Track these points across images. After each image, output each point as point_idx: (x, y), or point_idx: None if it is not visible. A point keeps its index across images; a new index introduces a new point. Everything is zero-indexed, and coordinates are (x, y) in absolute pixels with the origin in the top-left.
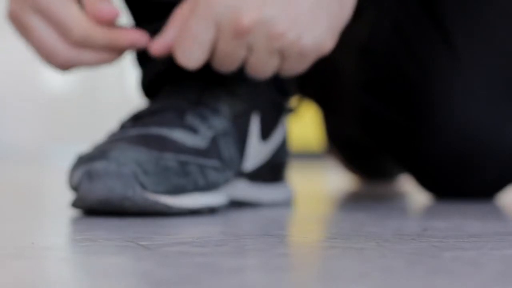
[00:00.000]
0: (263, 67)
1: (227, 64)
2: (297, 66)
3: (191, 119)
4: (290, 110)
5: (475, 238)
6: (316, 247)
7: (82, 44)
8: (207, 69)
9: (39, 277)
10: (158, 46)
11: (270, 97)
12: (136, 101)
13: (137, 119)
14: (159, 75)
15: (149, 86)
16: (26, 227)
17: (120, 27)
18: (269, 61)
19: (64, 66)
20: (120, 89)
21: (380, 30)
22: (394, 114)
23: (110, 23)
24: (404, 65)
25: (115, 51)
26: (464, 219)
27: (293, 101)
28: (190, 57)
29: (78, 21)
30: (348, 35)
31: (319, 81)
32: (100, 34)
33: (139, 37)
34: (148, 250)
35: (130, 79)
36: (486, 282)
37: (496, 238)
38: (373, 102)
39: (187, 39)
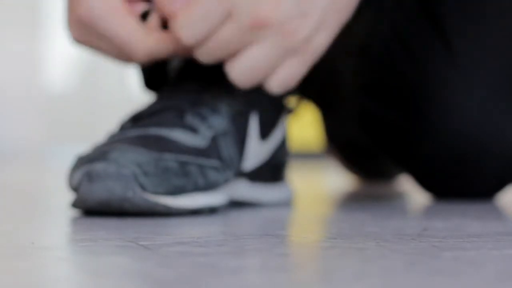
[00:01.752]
0: (262, 66)
1: (220, 53)
2: (296, 71)
3: (191, 119)
4: (290, 110)
5: (475, 238)
6: (316, 247)
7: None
8: (206, 69)
9: (39, 277)
10: (164, 7)
11: (269, 97)
12: (137, 101)
13: (136, 119)
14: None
15: (149, 79)
16: (26, 227)
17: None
18: (270, 59)
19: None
20: (120, 89)
21: (378, 31)
22: (393, 114)
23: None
24: (402, 66)
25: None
26: (464, 219)
27: (293, 101)
28: (189, 33)
29: (139, 40)
30: (347, 36)
31: (318, 81)
32: (163, 45)
33: None
34: (148, 250)
35: (130, 79)
36: (486, 282)
37: (496, 238)
38: (372, 103)
39: (194, 14)
